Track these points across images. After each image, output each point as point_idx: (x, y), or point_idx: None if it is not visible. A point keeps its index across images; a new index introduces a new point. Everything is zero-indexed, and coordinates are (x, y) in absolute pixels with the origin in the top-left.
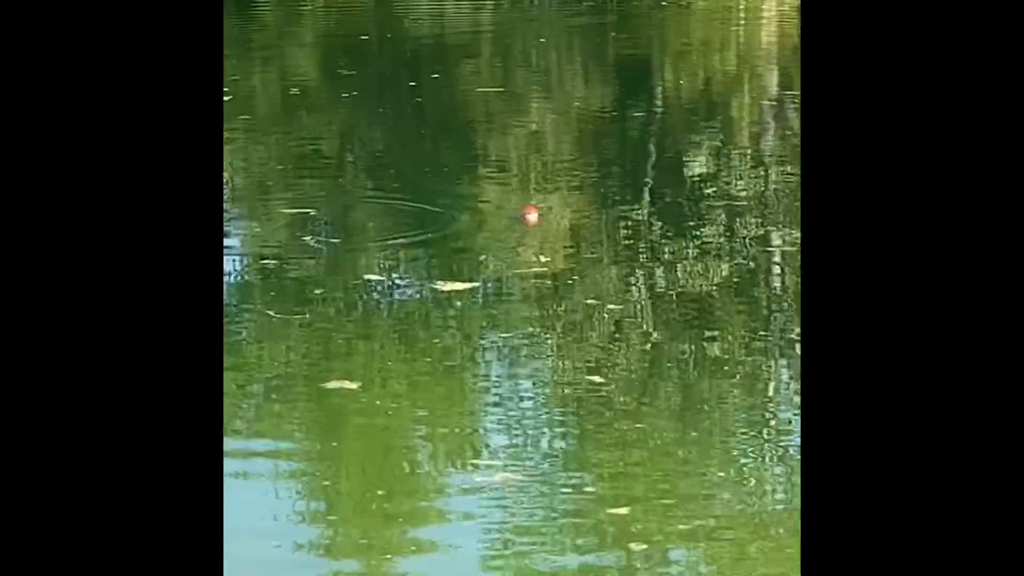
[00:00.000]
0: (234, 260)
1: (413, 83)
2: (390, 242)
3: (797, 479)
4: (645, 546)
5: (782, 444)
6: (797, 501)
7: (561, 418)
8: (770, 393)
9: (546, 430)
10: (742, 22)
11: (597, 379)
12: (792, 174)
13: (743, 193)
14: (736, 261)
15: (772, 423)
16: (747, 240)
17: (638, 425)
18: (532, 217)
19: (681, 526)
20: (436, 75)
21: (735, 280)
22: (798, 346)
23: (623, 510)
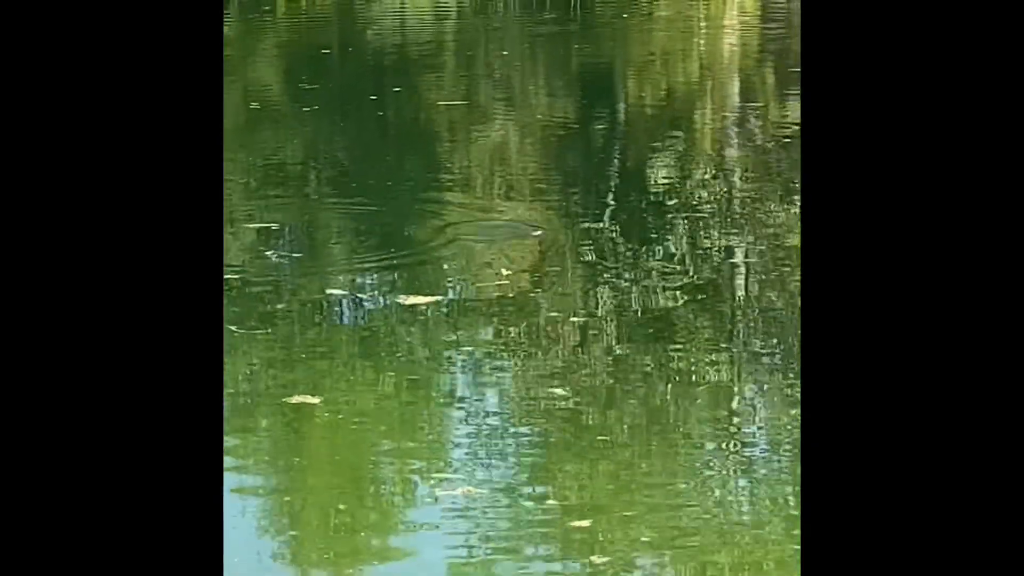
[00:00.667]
0: None
1: (375, 96)
2: (353, 256)
3: (759, 489)
4: (608, 558)
5: (745, 455)
6: (760, 511)
7: (525, 431)
8: (733, 405)
9: (510, 443)
10: (703, 31)
11: (561, 392)
12: (754, 182)
13: (706, 204)
14: (700, 272)
15: (736, 435)
16: (711, 251)
17: (602, 437)
18: (537, 234)
19: (644, 537)
20: (398, 88)
21: (699, 291)
22: (764, 358)
23: (586, 522)
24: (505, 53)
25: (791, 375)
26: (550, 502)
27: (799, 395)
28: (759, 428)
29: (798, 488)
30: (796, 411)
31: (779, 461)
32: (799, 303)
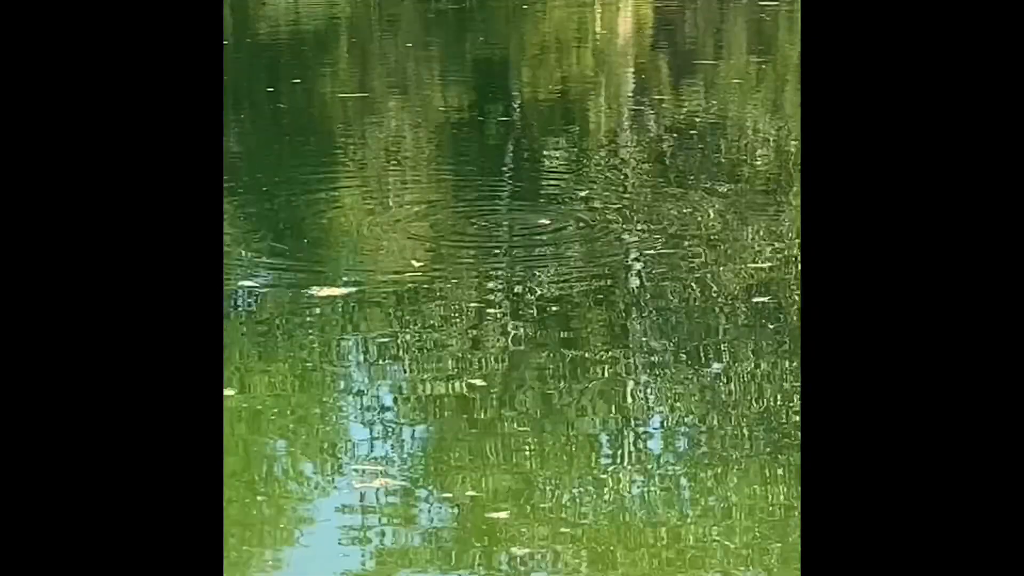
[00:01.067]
0: None
1: (271, 88)
2: (254, 249)
3: (669, 480)
4: (527, 550)
5: (652, 445)
6: (672, 503)
7: (440, 422)
8: (632, 398)
9: (425, 434)
10: (599, 13)
11: (477, 383)
12: (650, 170)
13: (604, 194)
14: (598, 263)
15: (640, 427)
16: (608, 242)
17: (519, 428)
18: (544, 221)
19: (562, 529)
20: (296, 80)
21: (599, 283)
22: (664, 349)
23: (503, 514)
24: (399, 35)
25: (689, 364)
26: (469, 493)
27: (702, 385)
28: (660, 418)
29: (698, 476)
30: (695, 402)
31: (680, 451)
32: (698, 292)
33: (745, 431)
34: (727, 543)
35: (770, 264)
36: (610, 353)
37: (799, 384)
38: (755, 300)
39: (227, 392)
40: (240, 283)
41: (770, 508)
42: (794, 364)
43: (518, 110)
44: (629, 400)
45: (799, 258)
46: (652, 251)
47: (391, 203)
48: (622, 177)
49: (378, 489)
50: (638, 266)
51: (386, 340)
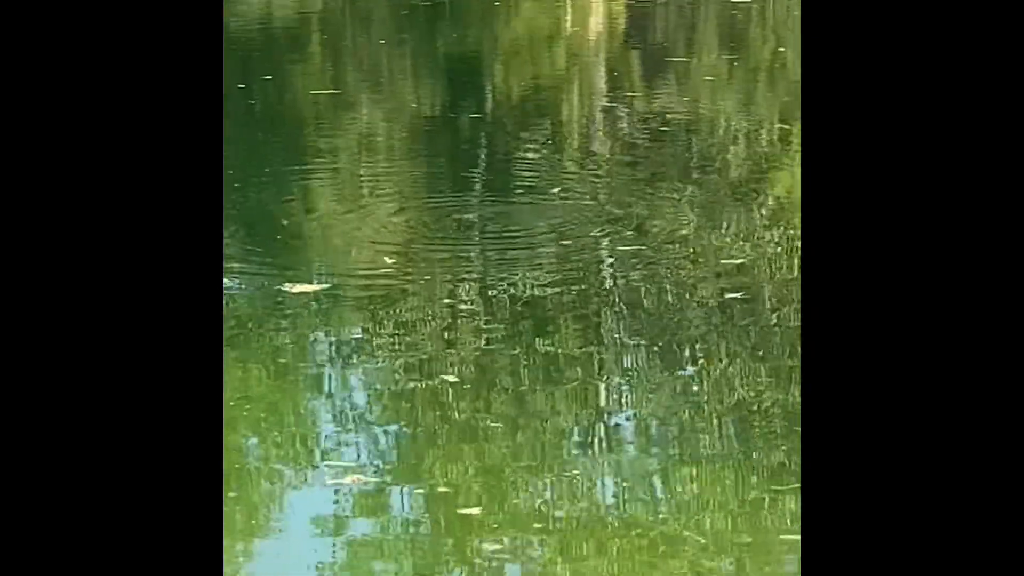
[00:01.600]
0: None
1: (242, 85)
2: (226, 245)
3: (635, 479)
4: (498, 545)
5: (619, 442)
6: (639, 498)
7: (411, 419)
8: (605, 395)
9: (397, 431)
10: (570, 10)
11: (450, 379)
12: (621, 166)
13: (577, 191)
14: (571, 261)
15: (611, 423)
16: (581, 241)
17: (492, 425)
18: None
19: (535, 524)
20: (266, 76)
21: (571, 281)
22: (633, 346)
23: (475, 510)
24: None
25: (657, 360)
26: (440, 489)
27: (665, 379)
28: (629, 414)
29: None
30: (664, 395)
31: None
32: (671, 288)
33: (716, 427)
34: (699, 537)
35: (743, 260)
36: (583, 349)
37: (769, 380)
38: (728, 296)
39: None
40: None
41: (741, 502)
42: (766, 361)
43: (490, 107)
44: (601, 396)
45: (778, 254)
46: (624, 247)
47: (364, 199)
48: (594, 173)
49: (351, 485)
50: (610, 262)
51: (359, 337)
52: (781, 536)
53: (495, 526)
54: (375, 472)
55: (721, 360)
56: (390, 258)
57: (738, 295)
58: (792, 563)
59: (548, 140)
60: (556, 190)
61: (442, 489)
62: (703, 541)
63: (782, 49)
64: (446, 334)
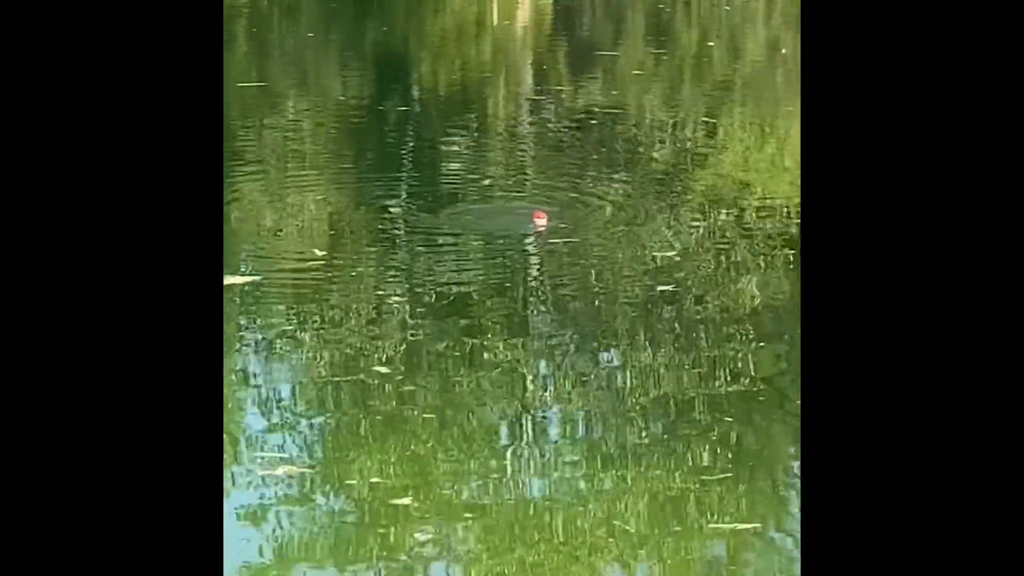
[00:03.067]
0: None
1: None
2: None
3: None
4: (431, 535)
5: (544, 430)
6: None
7: (342, 410)
8: (532, 384)
9: (328, 422)
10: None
11: (383, 370)
12: (546, 158)
13: (502, 183)
14: (494, 254)
15: (537, 412)
16: (503, 232)
17: (424, 416)
18: (541, 222)
19: (466, 513)
20: None
21: (495, 273)
22: (555, 336)
23: (406, 500)
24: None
25: (588, 352)
26: (374, 480)
27: (586, 368)
28: (551, 402)
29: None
30: (585, 386)
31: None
32: (597, 279)
33: (640, 417)
34: (625, 527)
35: (672, 251)
36: (509, 341)
37: (695, 371)
38: (658, 288)
39: None
40: None
41: (667, 492)
42: (690, 353)
43: (417, 99)
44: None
45: (704, 247)
46: (554, 238)
47: (290, 192)
48: (519, 165)
49: (282, 476)
50: (537, 253)
51: (288, 328)
52: (711, 525)
53: (426, 514)
54: (306, 463)
55: (647, 349)
56: (318, 249)
57: (669, 287)
58: (720, 548)
59: (475, 131)
60: (485, 182)
61: (374, 479)
62: (631, 530)
63: (710, 44)
64: (373, 326)
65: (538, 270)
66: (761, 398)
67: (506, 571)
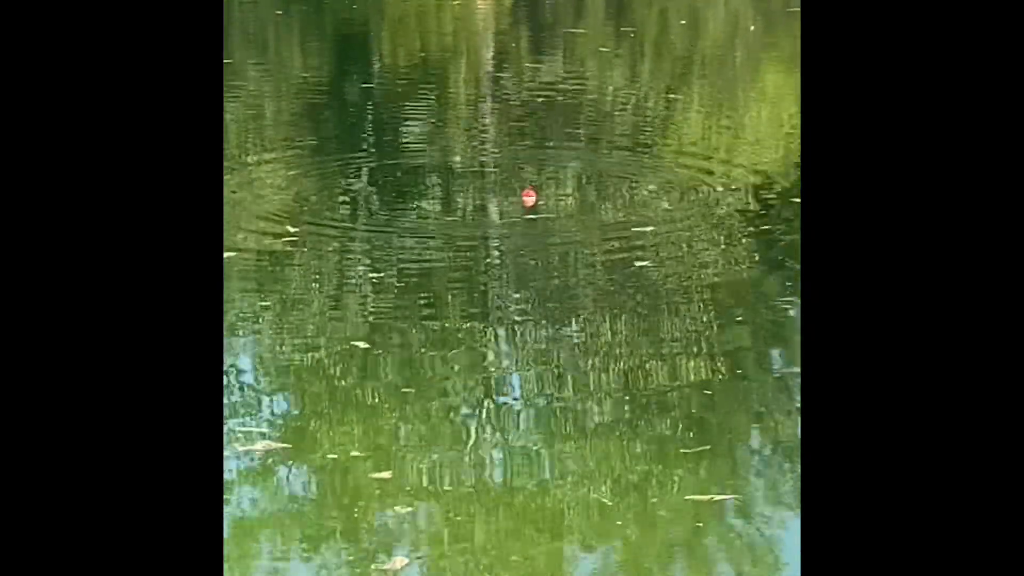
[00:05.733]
0: None
1: None
2: None
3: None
4: (409, 508)
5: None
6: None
7: (319, 385)
8: (494, 360)
9: (303, 398)
10: None
11: (362, 345)
12: (508, 134)
13: (464, 163)
14: (458, 232)
15: (502, 389)
16: (467, 210)
17: (404, 390)
18: (530, 200)
19: (446, 488)
20: None
21: (457, 251)
22: (519, 313)
23: (385, 474)
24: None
25: (553, 329)
26: (353, 454)
27: (563, 349)
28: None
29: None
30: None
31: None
32: (560, 258)
33: (605, 396)
34: (588, 508)
35: (636, 227)
36: (473, 320)
37: (662, 349)
38: (629, 266)
39: None
40: None
41: (628, 473)
42: (654, 327)
43: (379, 77)
44: (491, 363)
45: (666, 221)
46: (517, 217)
47: (253, 169)
48: (483, 142)
49: (261, 452)
50: (502, 231)
51: (260, 306)
52: (687, 497)
53: (404, 488)
54: (284, 438)
55: (610, 326)
56: (292, 227)
57: (646, 263)
58: (687, 521)
59: (434, 108)
60: (449, 160)
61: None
62: (608, 503)
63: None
64: (339, 302)
65: (499, 241)
66: (722, 373)
67: (470, 550)
